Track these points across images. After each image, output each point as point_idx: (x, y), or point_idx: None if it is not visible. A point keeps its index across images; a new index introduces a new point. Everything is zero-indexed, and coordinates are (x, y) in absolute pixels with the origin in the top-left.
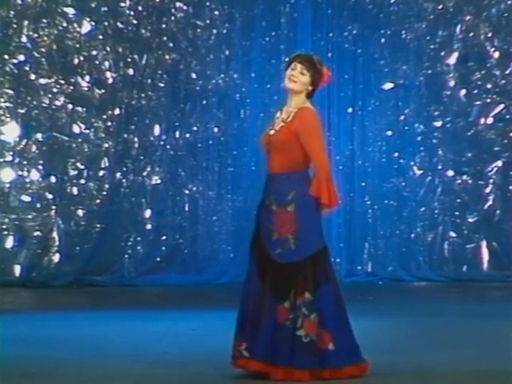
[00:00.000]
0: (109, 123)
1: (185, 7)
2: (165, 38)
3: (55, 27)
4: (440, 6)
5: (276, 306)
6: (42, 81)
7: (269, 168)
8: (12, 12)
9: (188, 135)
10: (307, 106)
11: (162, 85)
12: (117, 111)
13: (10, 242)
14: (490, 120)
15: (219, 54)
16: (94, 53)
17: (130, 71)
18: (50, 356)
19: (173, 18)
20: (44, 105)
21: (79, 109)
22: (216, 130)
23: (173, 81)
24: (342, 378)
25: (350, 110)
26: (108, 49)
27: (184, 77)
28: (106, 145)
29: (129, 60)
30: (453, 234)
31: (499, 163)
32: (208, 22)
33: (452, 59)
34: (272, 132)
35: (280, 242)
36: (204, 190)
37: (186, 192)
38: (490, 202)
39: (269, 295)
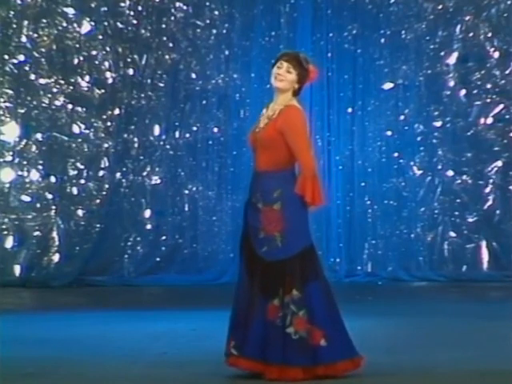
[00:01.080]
0: (108, 123)
1: (184, 7)
2: (164, 38)
3: (55, 27)
4: (440, 6)
5: (265, 304)
6: (42, 81)
7: (255, 166)
8: (12, 12)
9: (188, 135)
10: (293, 103)
11: (161, 85)
12: (116, 111)
13: (9, 242)
14: (489, 120)
15: (219, 54)
16: (94, 53)
17: (130, 71)
18: (50, 356)
19: (172, 18)
20: (44, 105)
21: (79, 109)
22: (216, 130)
23: (172, 81)
24: (336, 373)
25: (349, 110)
26: (108, 49)
27: (184, 77)
28: (106, 145)
29: (128, 60)
30: (452, 234)
31: (499, 163)
32: (208, 21)
33: (452, 59)
34: (258, 129)
35: (267, 240)
36: (204, 190)
37: (186, 192)
38: (489, 202)
39: (258, 293)
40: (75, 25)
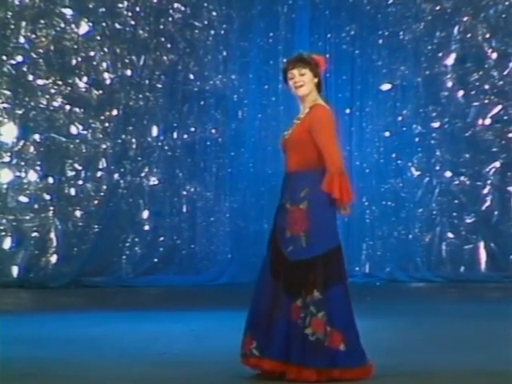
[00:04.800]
0: (106, 124)
1: (182, 8)
2: (162, 39)
3: (53, 28)
4: (438, 7)
5: (289, 305)
6: (40, 82)
7: (285, 168)
8: (10, 13)
9: (186, 136)
10: (319, 102)
11: (159, 86)
12: (114, 112)
13: (7, 243)
14: (487, 121)
15: (217, 55)
16: (92, 54)
17: (128, 72)
18: (48, 357)
19: (170, 18)
20: (42, 106)
21: (77, 110)
22: (214, 130)
23: (170, 82)
24: (353, 379)
25: (347, 110)
26: (106, 50)
27: (182, 78)
28: (104, 146)
29: (126, 61)
30: (450, 235)
31: (497, 164)
32: (206, 22)
33: (450, 60)
34: (288, 133)
35: (292, 239)
36: (201, 191)
37: (184, 193)
38: (487, 203)
39: (282, 293)
40: (73, 26)
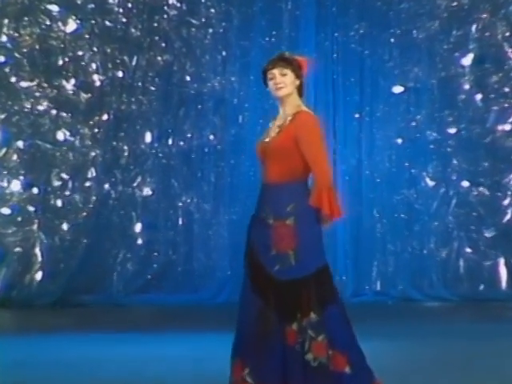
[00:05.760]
0: (96, 130)
1: (178, 4)
2: (157, 38)
3: (38, 26)
4: (454, 4)
5: (283, 329)
6: (24, 84)
7: (264, 178)
8: None
9: (182, 143)
10: (304, 109)
11: (153, 88)
12: (105, 117)
13: None
14: (507, 126)
15: (215, 55)
16: (80, 53)
17: (119, 73)
18: (32, 381)
19: (165, 15)
20: (26, 110)
21: (64, 114)
22: (212, 137)
23: (165, 84)
24: None
25: (356, 115)
26: (95, 49)
27: (177, 80)
28: (93, 153)
29: (118, 61)
30: (468, 250)
31: None
32: (203, 20)
33: (467, 61)
34: (268, 139)
35: (279, 258)
36: (199, 203)
37: (180, 204)
38: (508, 216)
39: (274, 316)
40: (60, 23)
